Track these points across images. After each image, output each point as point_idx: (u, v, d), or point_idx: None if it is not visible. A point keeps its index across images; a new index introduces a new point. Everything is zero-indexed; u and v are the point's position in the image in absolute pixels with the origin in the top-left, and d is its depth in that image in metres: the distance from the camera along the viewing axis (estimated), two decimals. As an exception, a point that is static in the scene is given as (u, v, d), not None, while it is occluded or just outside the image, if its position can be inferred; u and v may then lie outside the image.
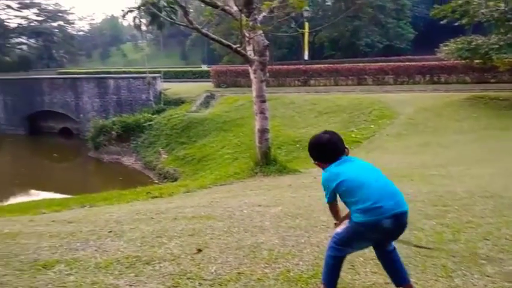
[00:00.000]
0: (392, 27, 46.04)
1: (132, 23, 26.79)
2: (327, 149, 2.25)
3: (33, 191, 16.22)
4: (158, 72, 26.96)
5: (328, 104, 18.37)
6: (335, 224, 2.42)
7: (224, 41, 9.47)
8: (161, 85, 25.20)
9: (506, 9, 14.78)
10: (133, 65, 57.15)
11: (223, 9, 8.80)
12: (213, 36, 9.64)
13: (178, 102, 23.40)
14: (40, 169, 20.84)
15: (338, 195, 2.21)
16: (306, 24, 23.90)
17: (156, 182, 16.01)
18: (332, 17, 42.28)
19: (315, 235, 3.45)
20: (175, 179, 15.58)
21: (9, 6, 65.06)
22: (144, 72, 26.01)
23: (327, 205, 2.36)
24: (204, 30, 8.80)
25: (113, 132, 20.34)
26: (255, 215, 4.27)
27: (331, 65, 26.81)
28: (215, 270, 2.66)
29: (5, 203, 13.93)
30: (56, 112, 26.93)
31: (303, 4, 8.07)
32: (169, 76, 30.48)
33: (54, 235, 3.51)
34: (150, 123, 20.71)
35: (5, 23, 65.60)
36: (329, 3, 49.55)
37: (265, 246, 3.15)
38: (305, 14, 23.33)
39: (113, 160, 19.90)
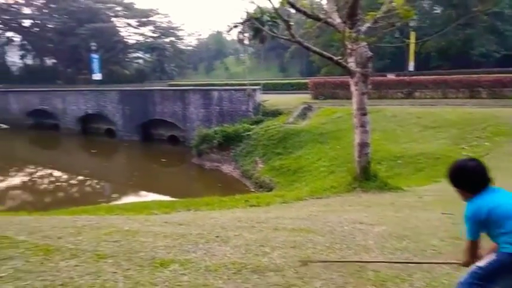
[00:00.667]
0: (511, 35, 41.42)
1: (236, 38, 28.17)
2: (473, 178, 2.11)
3: (143, 192, 17.80)
4: (258, 84, 27.81)
5: (435, 118, 17.12)
6: (464, 262, 2.20)
7: (325, 53, 9.44)
8: (261, 97, 25.92)
9: None
10: (235, 77, 59.97)
11: (326, 22, 8.79)
12: (314, 48, 9.66)
13: (276, 113, 23.81)
14: (150, 172, 22.85)
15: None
16: (412, 34, 22.70)
17: (252, 190, 16.45)
18: (441, 26, 39.54)
19: (425, 260, 3.23)
20: (271, 189, 15.82)
21: (129, 25, 73.34)
22: (245, 85, 27.04)
23: (467, 243, 2.14)
24: (305, 43, 8.87)
25: (214, 141, 21.38)
26: (357, 233, 4.14)
27: (439, 76, 25.00)
28: (320, 286, 2.63)
29: (120, 202, 15.59)
30: (165, 121, 29.25)
31: (411, 14, 7.70)
32: (267, 88, 31.27)
33: (168, 236, 3.81)
34: (248, 133, 21.37)
35: (125, 40, 73.92)
36: (438, 11, 46.43)
37: (371, 267, 3.03)
38: (411, 24, 22.21)
39: (214, 167, 20.92)
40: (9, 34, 73.13)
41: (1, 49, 74.15)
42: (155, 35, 73.84)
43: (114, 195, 18.15)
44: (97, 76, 42.69)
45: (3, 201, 16.60)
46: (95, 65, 42.82)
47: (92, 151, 30.24)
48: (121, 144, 30.88)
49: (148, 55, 74.95)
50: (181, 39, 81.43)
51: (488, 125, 15.28)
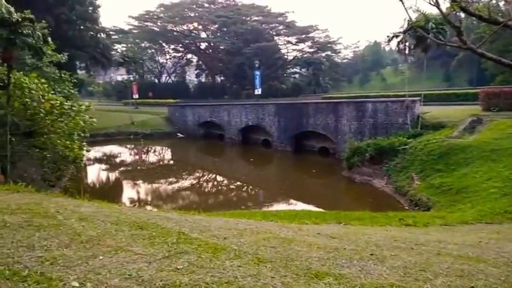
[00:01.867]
0: None
1: (395, 48, 26.88)
2: None
3: (292, 201, 18.39)
4: (418, 95, 25.98)
5: None
6: None
7: (504, 60, 8.29)
8: (420, 108, 24.17)
9: None
10: (392, 88, 57.30)
11: (506, 25, 7.73)
12: (491, 55, 8.58)
13: (437, 126, 21.86)
14: (300, 182, 23.49)
15: None
16: None
17: (406, 208, 15.41)
18: None
19: None
20: (428, 208, 14.54)
21: (289, 42, 77.34)
22: (402, 96, 25.60)
23: None
24: (479, 50, 7.95)
25: (366, 154, 20.78)
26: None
27: None
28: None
29: (271, 208, 16.44)
30: (317, 132, 29.75)
31: None
32: (429, 99, 28.95)
33: (321, 247, 3.86)
34: (405, 147, 20.11)
35: (285, 56, 78.12)
36: None
37: None
38: None
39: (364, 181, 20.30)
40: (188, 56, 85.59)
41: (182, 69, 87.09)
42: (312, 50, 76.23)
43: (266, 202, 19.25)
44: (258, 91, 46.12)
45: (176, 201, 19.30)
46: (257, 80, 46.36)
47: (250, 160, 32.71)
48: (275, 154, 32.59)
49: (304, 70, 77.60)
50: (338, 52, 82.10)
51: None
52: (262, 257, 3.34)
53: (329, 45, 76.26)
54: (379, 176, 20.13)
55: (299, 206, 16.64)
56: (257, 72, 47.04)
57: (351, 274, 3.07)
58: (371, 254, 3.68)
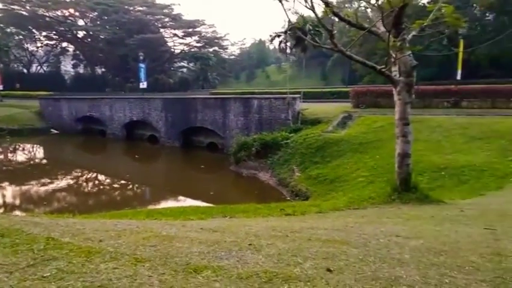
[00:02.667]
0: None
1: (277, 47, 28.36)
2: None
3: (181, 197, 18.21)
4: (298, 92, 27.81)
5: (482, 129, 16.38)
6: None
7: (368, 62, 9.31)
8: (300, 105, 25.90)
9: None
10: (275, 85, 60.27)
11: (370, 31, 8.69)
12: (357, 57, 9.56)
13: (315, 122, 23.71)
14: (188, 178, 23.37)
15: None
16: (461, 42, 21.88)
17: (288, 198, 16.39)
18: (492, 33, 37.76)
19: (462, 276, 3.10)
20: (307, 198, 15.71)
21: (176, 35, 75.80)
22: (285, 93, 27.15)
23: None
24: (347, 52, 8.79)
25: (252, 149, 21.57)
26: (392, 246, 4.05)
27: (489, 86, 23.93)
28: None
29: (158, 206, 16.04)
30: (205, 128, 29.90)
31: (461, 22, 7.44)
32: (308, 96, 31.18)
33: (202, 242, 3.90)
34: (287, 141, 21.38)
35: (171, 50, 76.44)
36: (490, 17, 44.44)
37: (404, 282, 2.96)
38: (461, 31, 21.41)
39: (251, 175, 21.07)
40: (64, 44, 77.86)
41: (56, 59, 78.99)
42: (200, 45, 75.90)
43: (153, 200, 18.71)
44: (143, 85, 44.36)
45: (51, 203, 17.55)
46: (142, 74, 44.55)
47: (135, 156, 31.34)
48: (163, 151, 31.81)
49: (192, 64, 77.03)
50: (225, 48, 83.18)
51: (541, 136, 14.43)
52: (140, 256, 3.25)
53: (216, 40, 76.95)
54: (264, 169, 21.07)
55: (188, 202, 16.53)
56: (142, 65, 45.19)
57: (229, 265, 3.17)
58: (250, 244, 3.85)
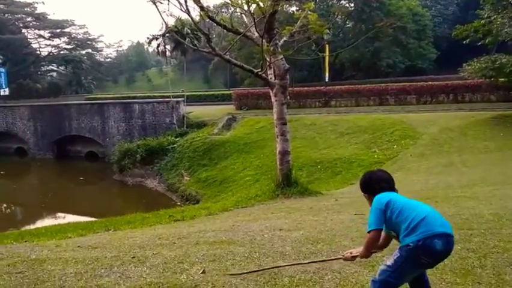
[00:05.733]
0: (414, 48, 45.79)
1: (156, 50, 27.63)
2: (379, 183, 2.36)
3: (59, 214, 16.61)
4: (182, 96, 27.56)
5: (349, 125, 18.29)
6: (362, 254, 2.37)
7: (245, 66, 9.68)
8: (185, 109, 25.71)
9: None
10: (158, 89, 58.63)
11: (245, 36, 9.01)
12: (235, 61, 9.86)
13: (201, 125, 23.79)
14: (66, 192, 21.37)
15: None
16: (327, 47, 24.11)
17: (179, 204, 16.14)
18: (353, 39, 42.46)
19: (337, 260, 3.41)
20: (197, 201, 15.68)
21: (41, 36, 68.37)
22: (168, 97, 26.63)
23: (369, 234, 2.28)
24: (226, 56, 9.00)
25: (137, 156, 20.72)
26: (276, 240, 4.27)
27: (352, 86, 26.85)
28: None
29: (33, 226, 14.32)
30: (82, 136, 27.71)
31: (323, 29, 8.19)
32: (192, 100, 31.10)
33: (79, 261, 3.59)
34: (173, 146, 21.04)
35: (37, 52, 68.80)
36: (349, 25, 49.88)
37: (286, 273, 3.13)
38: (325, 37, 23.58)
39: (137, 183, 20.22)
40: None
41: None
42: (70, 46, 69.60)
43: (26, 220, 16.66)
44: (5, 91, 39.17)
45: None
46: (2, 79, 39.28)
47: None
48: (34, 164, 28.53)
49: (62, 68, 70.39)
50: (99, 51, 77.92)
51: (395, 129, 16.70)
52: (3, 287, 2.86)
53: (89, 42, 71.61)
54: (151, 176, 20.40)
55: (68, 218, 15.08)
56: (1, 69, 39.86)
57: (110, 282, 2.99)
58: (133, 257, 3.67)
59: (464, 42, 17.67)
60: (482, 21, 16.45)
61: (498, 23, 15.64)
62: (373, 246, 2.32)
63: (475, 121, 16.53)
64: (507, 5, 16.39)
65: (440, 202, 6.17)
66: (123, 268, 3.34)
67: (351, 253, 2.42)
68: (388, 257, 2.34)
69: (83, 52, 69.78)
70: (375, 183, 2.37)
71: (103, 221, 8.67)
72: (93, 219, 12.77)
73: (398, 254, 2.16)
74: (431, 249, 2.06)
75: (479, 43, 16.99)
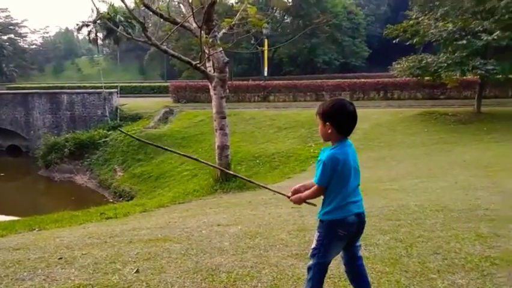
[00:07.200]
0: (348, 45, 47.81)
1: (87, 37, 26.04)
2: (349, 119, 2.18)
3: (-24, 214, 15.12)
4: (115, 87, 26.34)
5: (287, 120, 18.64)
6: (296, 199, 2.35)
7: (183, 57, 9.42)
8: (118, 100, 24.62)
9: (454, 29, 15.71)
10: (89, 79, 55.48)
11: (183, 26, 8.79)
12: (172, 52, 9.56)
13: (135, 118, 22.96)
14: (-15, 190, 19.56)
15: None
16: (266, 41, 24.33)
17: (111, 201, 15.45)
18: (291, 35, 43.31)
19: (274, 254, 3.43)
20: (131, 198, 15.14)
21: (-47, 17, 61.83)
22: (100, 87, 25.30)
23: (319, 189, 2.17)
24: (163, 46, 8.69)
25: (65, 150, 19.53)
26: (214, 235, 4.20)
27: (290, 81, 27.35)
28: (171, 297, 2.57)
29: None
30: (3, 129, 25.54)
31: (262, 23, 8.20)
32: (126, 91, 29.86)
33: (-3, 264, 3.27)
34: (105, 139, 20.10)
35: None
36: (288, 20, 50.77)
37: (224, 269, 3.09)
38: (264, 32, 23.78)
39: (65, 179, 19.06)
40: None
41: None
42: (-12, 31, 63.77)
43: None
44: None
45: None
46: None
47: None
48: None
49: (-20, 54, 64.20)
50: (23, 36, 72.22)
51: (330, 124, 17.28)
52: None
53: (12, 27, 66.12)
54: (81, 171, 19.34)
55: (-14, 218, 13.77)
56: None
57: (34, 286, 2.75)
58: (60, 258, 3.41)
59: (394, 41, 18.66)
60: (411, 22, 17.48)
61: (425, 24, 16.70)
62: (309, 198, 2.28)
63: (403, 117, 17.63)
64: (433, 7, 17.59)
65: (370, 195, 6.48)
66: (48, 270, 3.09)
67: (300, 197, 2.32)
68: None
69: (5, 38, 64.30)
70: (347, 117, 2.18)
71: (27, 220, 8.04)
72: (16, 218, 11.81)
73: (318, 234, 2.19)
74: (347, 222, 2.12)
75: (408, 43, 18.00)
